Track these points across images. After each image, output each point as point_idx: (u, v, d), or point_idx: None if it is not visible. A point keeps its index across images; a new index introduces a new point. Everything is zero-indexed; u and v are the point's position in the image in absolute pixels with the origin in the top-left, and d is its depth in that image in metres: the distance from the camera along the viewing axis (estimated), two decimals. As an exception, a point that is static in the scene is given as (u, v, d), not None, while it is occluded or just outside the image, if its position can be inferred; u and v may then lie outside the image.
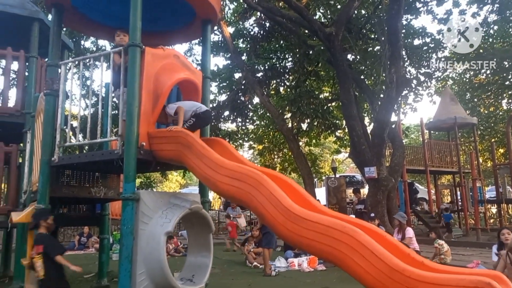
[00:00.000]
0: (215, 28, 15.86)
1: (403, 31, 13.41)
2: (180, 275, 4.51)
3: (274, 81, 18.81)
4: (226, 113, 19.20)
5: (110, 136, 4.76)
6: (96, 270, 6.64)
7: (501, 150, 23.89)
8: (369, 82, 16.17)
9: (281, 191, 3.22)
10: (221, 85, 19.29)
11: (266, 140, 22.10)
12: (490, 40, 17.56)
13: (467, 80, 22.69)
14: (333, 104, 18.72)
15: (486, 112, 23.75)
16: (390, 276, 2.63)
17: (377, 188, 11.68)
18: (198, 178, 3.98)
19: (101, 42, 18.62)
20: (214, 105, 18.42)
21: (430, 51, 16.04)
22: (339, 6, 14.73)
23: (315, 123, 18.03)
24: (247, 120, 20.28)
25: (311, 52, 15.88)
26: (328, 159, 29.31)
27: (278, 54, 18.19)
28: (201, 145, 3.74)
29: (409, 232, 8.02)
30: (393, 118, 13.59)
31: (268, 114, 18.48)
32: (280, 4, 15.61)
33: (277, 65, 18.25)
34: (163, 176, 28.06)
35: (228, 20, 18.19)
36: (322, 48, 13.83)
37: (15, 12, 6.87)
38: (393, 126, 13.52)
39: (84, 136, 8.30)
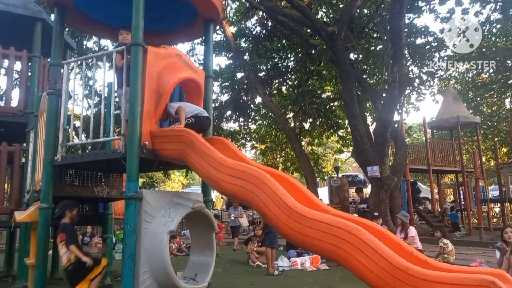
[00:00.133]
0: (217, 27, 15.85)
1: (406, 30, 13.36)
2: (183, 274, 4.52)
3: (276, 81, 18.79)
4: (228, 112, 19.17)
5: (112, 136, 4.76)
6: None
7: (504, 149, 23.85)
8: (372, 81, 16.16)
9: (284, 190, 3.20)
10: (223, 84, 19.27)
11: (268, 140, 22.08)
12: (493, 38, 17.51)
13: (469, 79, 22.62)
14: (336, 103, 18.71)
15: (489, 111, 23.69)
16: (394, 275, 2.62)
17: (379, 188, 11.67)
18: (201, 177, 3.97)
19: (104, 42, 18.66)
20: (216, 104, 18.38)
21: (432, 50, 16.01)
22: (341, 5, 14.69)
23: (318, 123, 18.02)
24: (249, 120, 20.26)
25: (313, 51, 15.84)
26: (331, 159, 29.26)
27: (280, 54, 18.19)
28: (203, 144, 3.74)
29: (412, 231, 7.99)
30: (396, 117, 13.62)
31: (270, 113, 18.48)
32: (282, 3, 15.62)
33: (279, 65, 18.25)
34: (165, 176, 28.06)
35: (230, 19, 18.18)
36: (324, 47, 13.80)
37: (18, 12, 6.88)
38: (396, 125, 13.51)
39: (87, 136, 8.34)
